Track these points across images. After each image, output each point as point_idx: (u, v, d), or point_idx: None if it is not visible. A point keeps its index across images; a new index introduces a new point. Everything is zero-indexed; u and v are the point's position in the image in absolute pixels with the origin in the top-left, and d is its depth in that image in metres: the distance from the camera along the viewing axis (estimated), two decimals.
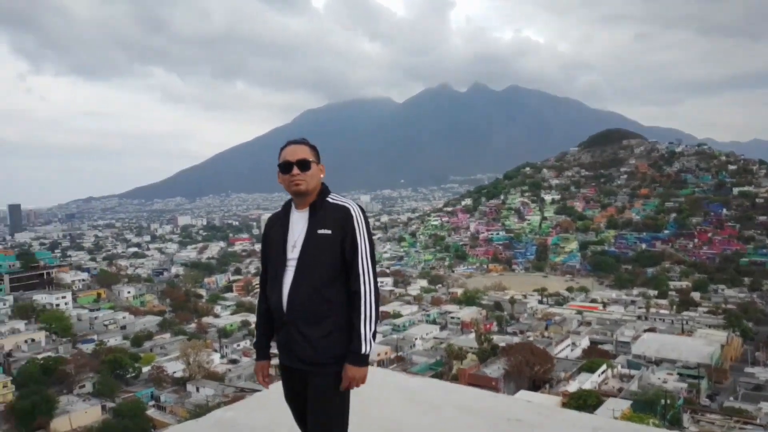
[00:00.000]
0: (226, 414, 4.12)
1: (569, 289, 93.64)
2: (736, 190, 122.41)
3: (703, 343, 48.84)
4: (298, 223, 2.68)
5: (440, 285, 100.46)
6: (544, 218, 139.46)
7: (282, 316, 2.62)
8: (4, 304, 63.08)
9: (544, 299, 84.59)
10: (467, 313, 69.33)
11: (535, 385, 36.53)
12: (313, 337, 2.58)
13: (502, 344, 46.43)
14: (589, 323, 64.46)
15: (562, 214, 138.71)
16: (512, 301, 78.29)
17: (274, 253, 2.73)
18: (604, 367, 40.50)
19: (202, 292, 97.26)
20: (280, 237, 2.72)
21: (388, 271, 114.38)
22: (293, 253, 2.63)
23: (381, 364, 43.21)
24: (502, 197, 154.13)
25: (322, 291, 2.59)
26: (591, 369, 40.05)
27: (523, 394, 29.73)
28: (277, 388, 5.15)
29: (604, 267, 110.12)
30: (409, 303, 79.10)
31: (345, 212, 2.66)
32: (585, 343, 54.87)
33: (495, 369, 39.32)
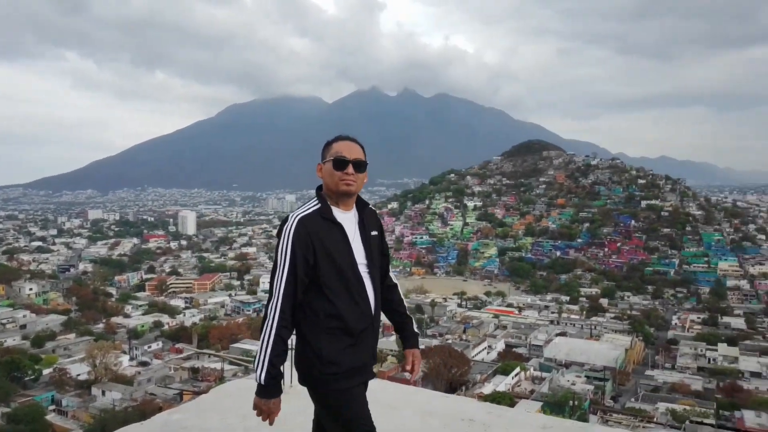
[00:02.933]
0: (173, 417, 3.95)
1: (487, 294, 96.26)
2: (644, 203, 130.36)
3: (609, 347, 51.54)
4: (348, 225, 2.44)
5: None
6: (466, 224, 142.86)
7: (369, 323, 2.43)
8: None
9: (463, 303, 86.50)
10: None
11: (452, 387, 37.08)
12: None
13: (422, 347, 46.78)
14: (505, 327, 66.40)
15: (483, 220, 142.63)
16: (433, 304, 79.49)
17: (339, 260, 2.37)
18: (517, 369, 41.77)
19: (112, 290, 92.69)
20: (342, 241, 2.40)
21: None
22: (360, 257, 2.43)
23: None
24: (427, 202, 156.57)
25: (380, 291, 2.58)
26: (505, 371, 41.23)
27: None
28: (220, 390, 4.79)
29: (520, 272, 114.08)
30: None
31: (374, 212, 2.63)
32: (501, 346, 56.49)
33: None
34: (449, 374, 38.13)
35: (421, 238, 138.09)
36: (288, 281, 2.31)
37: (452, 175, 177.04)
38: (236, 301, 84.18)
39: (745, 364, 50.75)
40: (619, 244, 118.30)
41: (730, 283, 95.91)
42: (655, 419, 31.99)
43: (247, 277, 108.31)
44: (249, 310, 78.10)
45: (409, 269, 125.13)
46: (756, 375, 48.41)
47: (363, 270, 2.42)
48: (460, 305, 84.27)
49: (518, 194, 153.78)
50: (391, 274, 2.70)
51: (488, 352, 53.29)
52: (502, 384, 37.94)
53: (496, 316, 72.50)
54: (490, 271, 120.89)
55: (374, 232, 2.53)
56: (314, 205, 2.43)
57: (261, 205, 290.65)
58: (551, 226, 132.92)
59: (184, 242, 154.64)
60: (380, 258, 2.57)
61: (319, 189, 2.52)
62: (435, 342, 52.11)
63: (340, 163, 2.40)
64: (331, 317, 2.35)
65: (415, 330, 2.72)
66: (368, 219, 2.53)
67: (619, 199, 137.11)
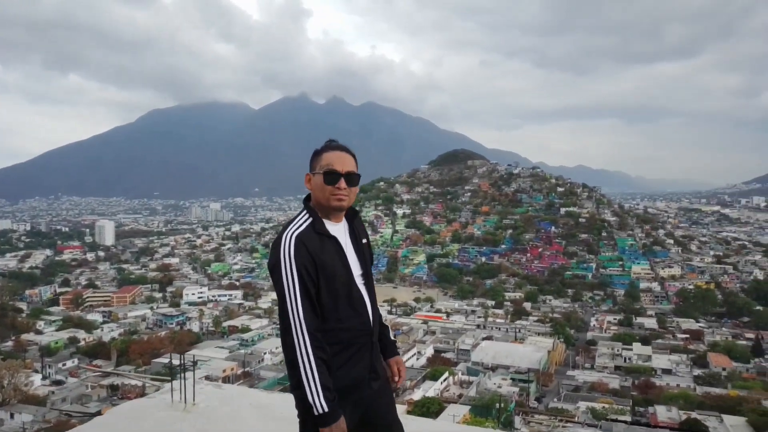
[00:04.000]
0: None
1: (416, 300, 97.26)
2: (563, 210, 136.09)
3: (533, 350, 53.32)
4: (341, 237, 2.34)
5: None
6: (395, 231, 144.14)
7: (369, 337, 2.36)
8: None
9: (394, 310, 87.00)
10: None
11: None
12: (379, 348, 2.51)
13: None
14: (433, 332, 67.16)
15: (412, 227, 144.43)
16: None
17: (336, 273, 2.25)
18: (446, 374, 42.39)
19: (23, 305, 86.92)
20: (338, 255, 2.30)
21: (237, 283, 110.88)
22: (356, 268, 2.35)
23: (227, 380, 41.38)
24: (357, 210, 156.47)
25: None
26: (434, 377, 41.71)
27: None
28: (116, 411, 4.51)
29: (448, 278, 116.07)
30: (259, 317, 77.08)
31: (360, 217, 2.53)
32: (430, 351, 57.15)
33: None
34: None
35: None
36: (304, 305, 2.18)
37: (382, 183, 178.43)
38: (158, 314, 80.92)
39: (657, 362, 53.82)
40: (540, 250, 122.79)
41: (642, 285, 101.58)
42: (576, 418, 33.30)
43: (169, 288, 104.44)
44: (172, 323, 75.27)
45: None
46: (667, 372, 51.43)
47: (360, 282, 2.35)
48: (390, 312, 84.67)
49: (445, 202, 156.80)
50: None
51: (418, 358, 53.76)
52: (431, 389, 38.37)
53: (425, 322, 73.28)
54: (419, 278, 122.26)
55: (365, 241, 2.47)
56: (305, 219, 2.30)
57: (184, 213, 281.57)
58: (476, 232, 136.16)
59: (101, 253, 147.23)
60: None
61: (307, 199, 2.40)
62: None
63: (331, 177, 2.26)
64: (327, 334, 2.23)
65: (392, 338, 2.65)
66: (358, 228, 2.46)
67: (540, 206, 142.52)
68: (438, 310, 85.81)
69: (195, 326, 74.80)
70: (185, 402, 3.96)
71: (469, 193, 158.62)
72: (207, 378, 36.21)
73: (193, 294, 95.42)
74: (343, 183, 2.27)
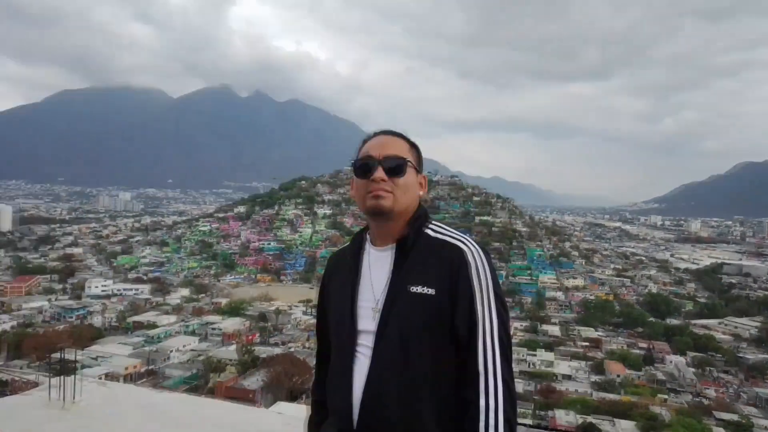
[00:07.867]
0: None
1: None
2: (478, 219, 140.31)
3: None
4: (378, 269, 1.54)
5: (204, 294, 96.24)
6: (315, 231, 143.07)
7: (348, 428, 1.44)
8: None
9: (309, 310, 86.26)
10: (230, 323, 67.43)
11: (293, 396, 36.77)
12: None
13: (264, 355, 46.04)
14: None
15: (332, 228, 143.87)
16: (277, 312, 78.31)
17: (335, 320, 1.58)
18: None
19: None
20: (345, 293, 1.55)
21: (145, 277, 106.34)
22: (370, 322, 1.48)
23: (129, 378, 39.47)
24: (276, 207, 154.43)
25: (415, 393, 1.40)
26: None
27: (279, 406, 29.60)
28: None
29: None
30: (167, 313, 74.19)
31: (457, 255, 1.48)
32: None
33: (254, 381, 38.72)
34: (290, 383, 37.77)
35: (269, 244, 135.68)
36: (317, 331, 1.75)
37: (303, 181, 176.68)
38: (57, 307, 76.04)
39: (559, 368, 56.45)
40: None
41: (548, 294, 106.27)
42: None
43: (71, 280, 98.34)
44: (72, 317, 70.95)
45: (254, 276, 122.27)
46: (567, 377, 54.07)
47: (364, 343, 1.48)
48: (305, 313, 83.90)
49: None
50: (482, 382, 1.39)
51: None
52: None
53: None
54: None
55: (423, 289, 1.44)
56: (356, 234, 1.70)
57: (91, 201, 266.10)
58: None
59: None
60: (438, 333, 1.44)
61: None
62: (278, 350, 51.41)
63: (363, 168, 1.53)
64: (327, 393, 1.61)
65: None
66: (418, 263, 1.50)
67: (457, 214, 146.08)
68: None
69: (97, 320, 70.93)
70: (63, 400, 3.71)
71: None
72: (107, 375, 34.38)
73: (96, 287, 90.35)
74: (380, 172, 1.50)
